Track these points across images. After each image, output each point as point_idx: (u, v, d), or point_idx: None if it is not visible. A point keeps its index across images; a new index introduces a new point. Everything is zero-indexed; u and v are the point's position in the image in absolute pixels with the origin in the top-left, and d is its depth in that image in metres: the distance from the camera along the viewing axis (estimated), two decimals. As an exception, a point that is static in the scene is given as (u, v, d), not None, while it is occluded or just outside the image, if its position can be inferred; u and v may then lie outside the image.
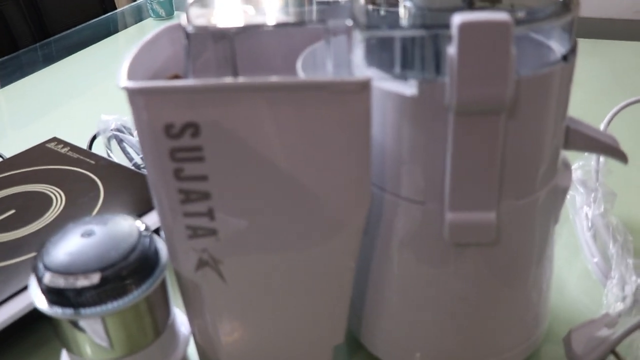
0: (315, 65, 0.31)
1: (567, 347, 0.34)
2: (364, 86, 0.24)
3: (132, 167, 0.53)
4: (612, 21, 0.94)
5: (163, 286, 0.33)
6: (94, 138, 0.61)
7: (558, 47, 0.28)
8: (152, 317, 0.32)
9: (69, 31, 1.11)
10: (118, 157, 0.57)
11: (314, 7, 0.28)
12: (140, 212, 0.45)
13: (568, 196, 0.42)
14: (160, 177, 0.26)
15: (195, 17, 0.28)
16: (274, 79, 0.24)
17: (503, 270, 0.30)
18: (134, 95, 0.24)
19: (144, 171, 0.52)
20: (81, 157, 0.54)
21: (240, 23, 0.27)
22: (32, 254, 0.41)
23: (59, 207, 0.47)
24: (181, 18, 0.28)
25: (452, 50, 0.24)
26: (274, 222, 0.27)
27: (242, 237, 0.27)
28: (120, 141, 0.58)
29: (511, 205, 0.28)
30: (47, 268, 0.29)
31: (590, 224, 0.45)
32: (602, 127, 0.49)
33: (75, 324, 0.30)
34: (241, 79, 0.24)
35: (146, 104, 0.24)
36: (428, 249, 0.29)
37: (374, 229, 0.31)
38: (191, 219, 0.27)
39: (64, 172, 0.51)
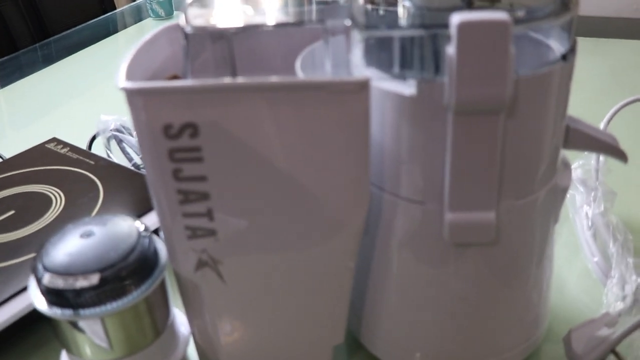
0: (314, 65, 0.31)
1: (567, 346, 0.34)
2: (363, 86, 0.24)
3: (132, 168, 0.53)
4: (611, 19, 0.94)
5: (162, 287, 0.33)
6: (93, 138, 0.61)
7: (557, 46, 0.28)
8: (152, 318, 0.32)
9: (68, 31, 1.11)
10: (117, 158, 0.57)
11: (313, 7, 0.28)
12: (140, 212, 0.45)
13: (568, 195, 0.42)
14: (159, 177, 0.26)
15: (193, 17, 0.28)
16: (272, 79, 0.23)
17: (503, 270, 0.30)
18: (132, 95, 0.24)
19: (144, 171, 0.52)
20: (81, 158, 0.54)
21: (238, 23, 0.27)
22: (32, 255, 0.41)
23: (59, 207, 0.47)
24: (180, 18, 0.28)
25: (451, 50, 0.24)
26: (273, 222, 0.27)
27: (241, 237, 0.27)
28: (119, 141, 0.58)
29: (511, 205, 0.28)
30: (46, 269, 0.29)
31: (590, 223, 0.45)
32: (601, 126, 0.49)
33: (74, 325, 0.30)
34: (240, 79, 0.24)
35: (145, 105, 0.24)
36: (428, 249, 0.29)
37: (374, 229, 0.31)
38: (190, 219, 0.27)
39: (63, 172, 0.51)
